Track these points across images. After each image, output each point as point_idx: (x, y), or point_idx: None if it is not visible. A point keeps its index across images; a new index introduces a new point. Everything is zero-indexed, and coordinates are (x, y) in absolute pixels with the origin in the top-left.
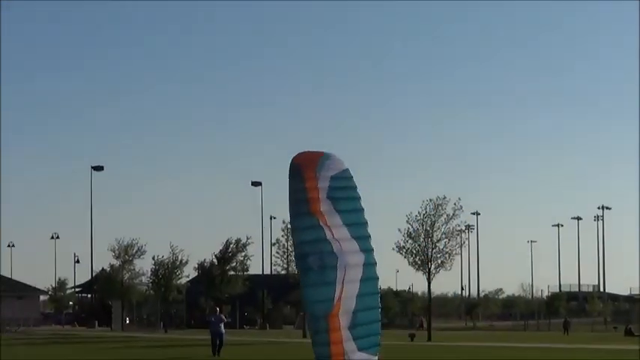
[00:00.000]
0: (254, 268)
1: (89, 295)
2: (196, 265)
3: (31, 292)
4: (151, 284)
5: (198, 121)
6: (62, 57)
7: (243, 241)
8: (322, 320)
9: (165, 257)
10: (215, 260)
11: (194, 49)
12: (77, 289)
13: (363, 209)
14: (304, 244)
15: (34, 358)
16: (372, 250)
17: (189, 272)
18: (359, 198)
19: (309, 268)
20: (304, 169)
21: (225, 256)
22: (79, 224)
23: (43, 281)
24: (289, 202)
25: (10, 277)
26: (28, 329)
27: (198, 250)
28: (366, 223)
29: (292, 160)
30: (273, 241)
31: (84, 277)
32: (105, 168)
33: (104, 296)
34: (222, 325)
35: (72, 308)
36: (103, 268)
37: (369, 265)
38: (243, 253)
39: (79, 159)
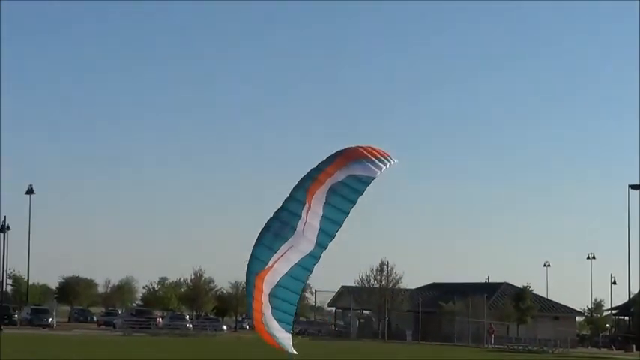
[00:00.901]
0: None
1: (626, 318)
2: None
3: (566, 312)
4: None
5: None
6: None
7: None
8: (253, 275)
9: None
10: None
11: None
12: (613, 311)
13: (348, 213)
14: (281, 211)
15: None
16: (325, 247)
17: None
18: (354, 203)
19: (268, 229)
20: (340, 157)
21: None
22: (616, 244)
23: (579, 302)
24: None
25: (546, 297)
26: (564, 350)
27: None
28: (341, 225)
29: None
30: None
31: (621, 298)
32: None
33: None
34: None
35: (608, 330)
36: None
37: (312, 257)
38: None
39: (617, 178)
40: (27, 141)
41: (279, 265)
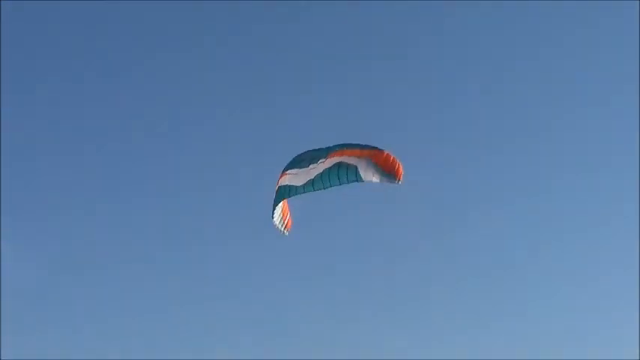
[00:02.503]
0: None
1: None
2: None
3: None
4: None
5: None
6: None
7: None
8: (280, 172)
9: None
10: None
11: None
12: None
13: (326, 188)
14: (315, 150)
15: None
16: (304, 192)
17: None
18: (338, 185)
19: (300, 155)
20: (368, 149)
21: None
22: None
23: None
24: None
25: None
26: None
27: None
28: (321, 189)
29: (399, 164)
30: None
31: None
32: None
33: None
34: None
35: None
36: None
37: (294, 189)
38: None
39: None
40: None
41: (287, 177)
